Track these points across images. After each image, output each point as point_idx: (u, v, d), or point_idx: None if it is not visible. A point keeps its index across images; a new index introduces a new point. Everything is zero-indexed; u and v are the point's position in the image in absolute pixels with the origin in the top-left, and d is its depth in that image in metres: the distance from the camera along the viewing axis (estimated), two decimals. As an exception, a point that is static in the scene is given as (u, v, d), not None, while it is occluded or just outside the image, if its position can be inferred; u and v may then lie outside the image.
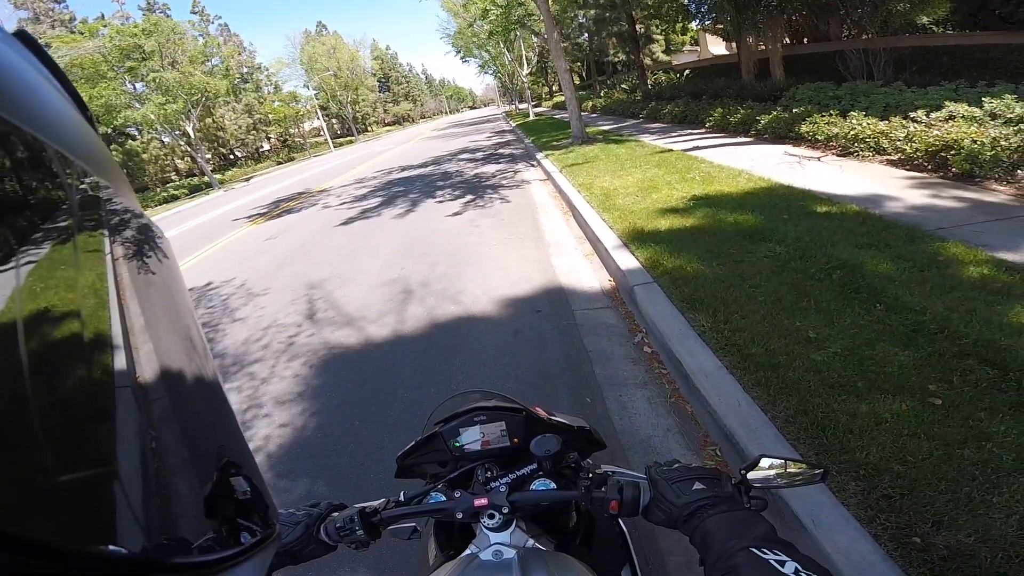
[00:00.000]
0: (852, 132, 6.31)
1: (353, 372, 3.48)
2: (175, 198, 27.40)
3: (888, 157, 5.85)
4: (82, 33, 25.30)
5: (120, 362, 0.34)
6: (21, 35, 0.37)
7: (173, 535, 0.36)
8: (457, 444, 1.02)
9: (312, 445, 2.79)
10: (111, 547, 0.28)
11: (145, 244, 0.46)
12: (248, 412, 3.23)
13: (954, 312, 2.57)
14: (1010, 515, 1.56)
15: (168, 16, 37.10)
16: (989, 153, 4.48)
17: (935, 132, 5.19)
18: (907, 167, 5.44)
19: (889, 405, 2.08)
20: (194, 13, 48.62)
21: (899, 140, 5.64)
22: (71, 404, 0.29)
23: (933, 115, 5.78)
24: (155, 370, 0.39)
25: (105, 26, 28.25)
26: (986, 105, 5.44)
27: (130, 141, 35.59)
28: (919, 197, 4.45)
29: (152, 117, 25.07)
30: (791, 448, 2.00)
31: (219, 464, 0.47)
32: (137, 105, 25.64)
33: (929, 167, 5.19)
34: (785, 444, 2.02)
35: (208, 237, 10.53)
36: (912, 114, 6.05)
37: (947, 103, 5.88)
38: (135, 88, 27.08)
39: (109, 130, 31.61)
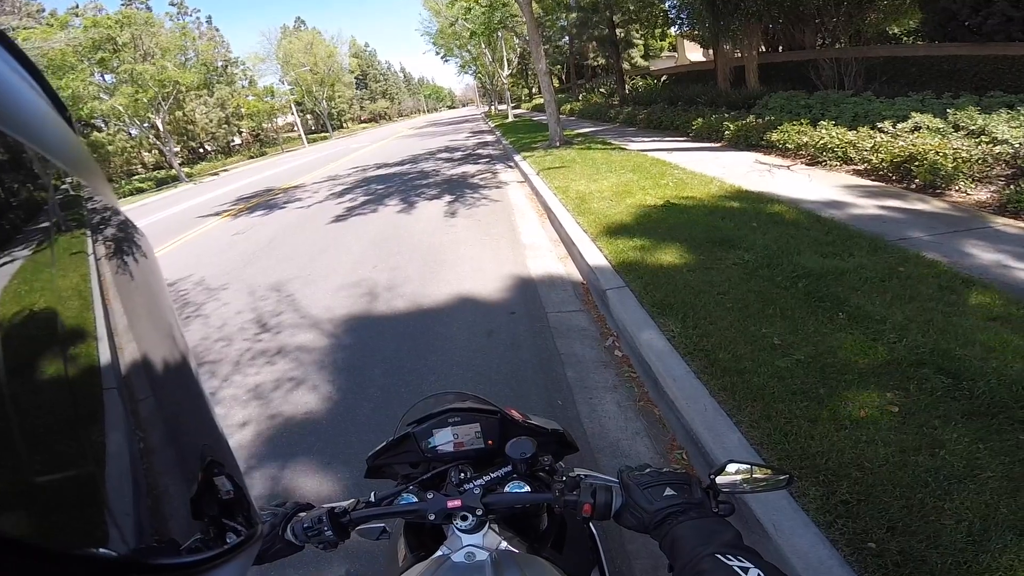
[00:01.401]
0: (821, 141, 6.47)
1: (320, 373, 3.41)
2: (141, 191, 26.62)
3: (855, 167, 6.02)
4: (51, 25, 24.68)
5: (106, 362, 0.34)
6: None
7: (162, 536, 0.36)
8: (430, 445, 1.01)
9: (277, 444, 2.73)
10: (100, 550, 0.28)
11: (126, 243, 0.45)
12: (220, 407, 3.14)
13: (913, 322, 2.65)
14: (960, 521, 1.60)
15: (149, 9, 36.52)
16: (951, 165, 4.64)
17: (900, 143, 5.36)
18: (873, 177, 5.61)
19: (849, 412, 2.13)
20: (172, 5, 47.46)
21: (866, 151, 5.80)
22: (58, 405, 0.29)
23: (899, 126, 5.97)
24: (140, 370, 0.39)
25: (78, 15, 27.63)
26: (950, 116, 5.63)
27: (95, 132, 34.51)
28: (883, 208, 4.59)
29: (120, 109, 24.54)
30: (755, 453, 2.03)
31: (203, 463, 0.47)
32: (105, 97, 25.04)
33: (894, 178, 5.35)
34: (749, 449, 2.05)
35: (172, 231, 10.24)
36: (879, 124, 6.24)
37: (913, 114, 6.08)
38: (104, 79, 26.51)
39: (75, 121, 31.07)
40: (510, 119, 27.49)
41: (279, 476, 2.51)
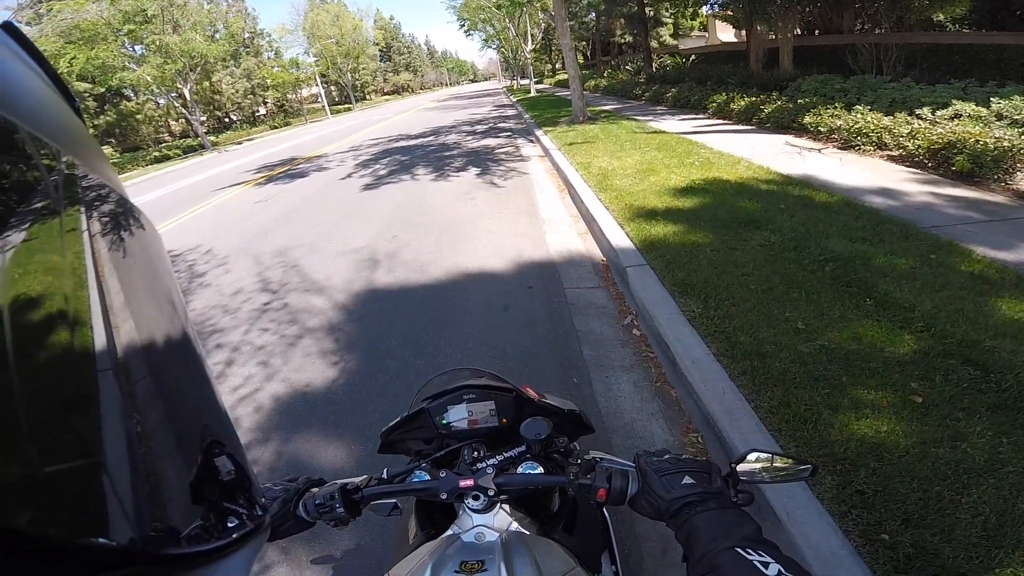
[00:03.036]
0: (855, 125, 6.25)
1: (338, 342, 3.45)
2: (167, 158, 26.99)
3: (889, 152, 5.82)
4: None
5: (100, 343, 0.33)
6: (6, 26, 0.38)
7: (162, 524, 0.36)
8: (444, 422, 1.00)
9: (293, 414, 2.78)
10: (101, 540, 0.27)
11: (123, 218, 0.45)
12: (230, 376, 3.21)
13: (942, 311, 2.58)
14: (976, 516, 1.57)
15: None
16: (992, 154, 4.45)
17: (939, 130, 5.15)
18: (908, 163, 5.41)
19: (871, 400, 2.09)
20: None
21: (902, 136, 5.59)
22: (53, 391, 0.28)
23: (939, 113, 5.74)
24: (137, 349, 0.39)
25: None
26: (993, 105, 5.40)
27: (125, 102, 35.10)
28: (917, 194, 4.43)
29: (148, 79, 24.68)
30: (772, 439, 2.01)
31: (204, 445, 0.46)
32: (134, 67, 25.12)
33: (930, 165, 5.16)
34: (767, 435, 2.03)
35: (194, 200, 10.36)
36: (918, 111, 6.01)
37: (954, 101, 5.83)
38: (134, 50, 26.45)
39: (103, 90, 30.85)
40: (533, 94, 27.09)
41: (289, 446, 2.55)
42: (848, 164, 5.65)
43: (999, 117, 5.20)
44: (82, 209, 0.38)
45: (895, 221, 3.76)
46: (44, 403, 0.27)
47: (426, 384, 1.11)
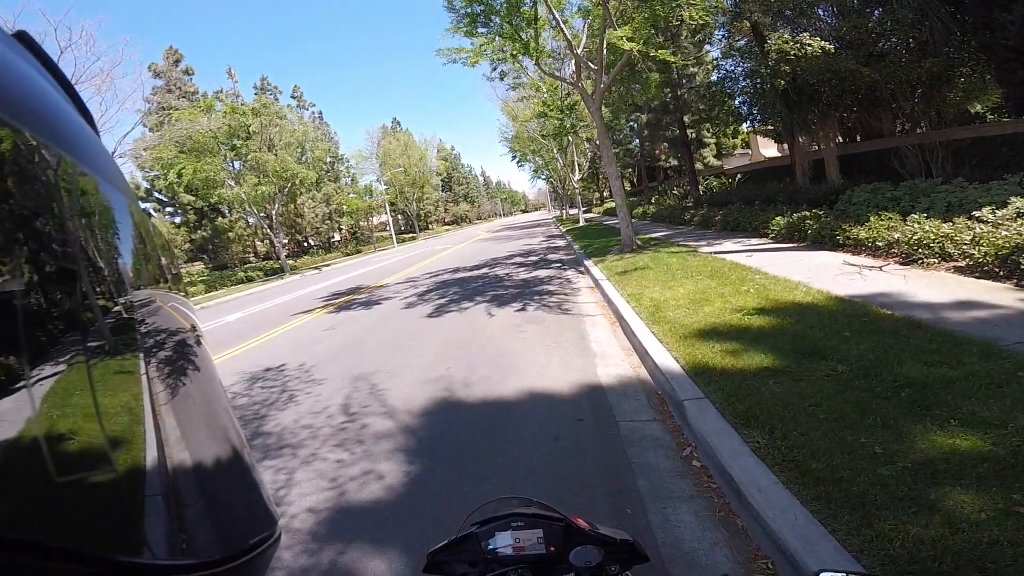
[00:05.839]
0: (914, 237, 6.10)
1: (389, 466, 3.47)
2: (251, 279, 29.22)
3: (955, 263, 5.58)
4: (200, 109, 27.01)
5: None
6: (20, 36, 0.39)
7: (189, 539, 0.38)
8: (491, 547, 1.00)
9: (341, 526, 2.83)
10: (133, 544, 0.30)
11: (179, 359, 0.48)
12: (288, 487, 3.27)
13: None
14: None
15: (276, 99, 39.85)
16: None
17: (1003, 232, 4.96)
18: (976, 274, 5.16)
19: (966, 515, 1.93)
20: (293, 98, 52.52)
21: (965, 244, 5.40)
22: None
23: (999, 213, 5.54)
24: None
25: (220, 100, 30.08)
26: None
27: (220, 218, 38.15)
28: (993, 308, 4.17)
29: (244, 196, 26.11)
30: (853, 560, 1.86)
31: (222, 463, 0.48)
32: (232, 184, 27.01)
33: (1001, 273, 4.90)
34: (848, 557, 1.88)
35: (268, 325, 11.12)
36: (976, 213, 5.83)
37: (1013, 199, 5.64)
38: (233, 166, 28.31)
39: (205, 206, 33.36)
40: (581, 223, 28.05)
41: (339, 557, 2.58)
42: (912, 280, 5.43)
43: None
44: (141, 355, 0.39)
45: (973, 340, 3.52)
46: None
47: (475, 510, 1.13)
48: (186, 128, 25.03)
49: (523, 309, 8.13)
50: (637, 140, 30.77)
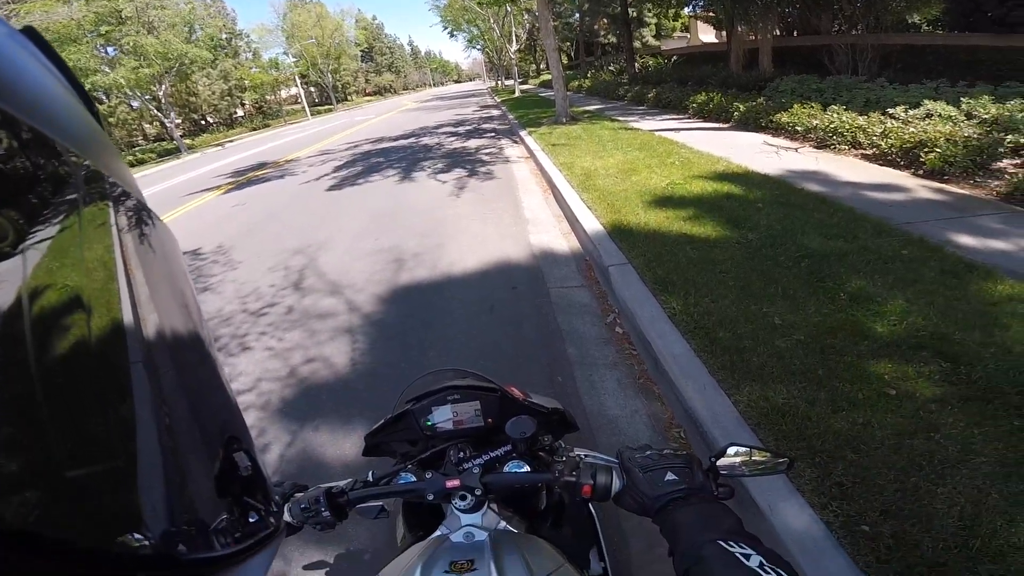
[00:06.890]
0: (831, 125, 6.38)
1: (321, 346, 3.42)
2: (142, 162, 26.44)
3: (864, 151, 5.95)
4: None
5: (132, 336, 0.34)
6: (28, 31, 0.38)
7: (192, 516, 0.36)
8: (429, 423, 1.00)
9: (275, 418, 2.75)
10: (135, 536, 0.28)
11: (145, 215, 0.45)
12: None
13: (914, 304, 2.64)
14: (952, 506, 1.61)
15: None
16: (961, 152, 4.57)
17: (911, 129, 5.28)
18: (881, 162, 5.54)
19: (846, 394, 2.14)
20: None
21: (875, 135, 5.72)
22: (89, 382, 0.29)
23: (911, 112, 5.87)
24: (163, 342, 0.39)
25: None
26: (963, 105, 5.53)
27: (96, 105, 34.17)
28: (890, 192, 4.54)
29: (122, 82, 24.04)
30: (752, 433, 2.04)
31: (224, 440, 0.46)
32: (107, 70, 24.46)
33: (902, 163, 5.29)
34: (747, 429, 2.06)
35: (175, 202, 10.19)
36: (891, 110, 6.14)
37: (926, 101, 5.96)
38: (107, 52, 25.79)
39: None
40: (517, 94, 27.05)
41: (278, 445, 2.55)
42: (824, 162, 5.76)
43: (969, 116, 5.33)
44: (110, 204, 0.38)
45: (868, 218, 3.85)
46: (75, 397, 0.27)
47: (409, 386, 1.11)
48: (39, 20, 21.30)
49: (456, 179, 7.94)
50: (577, 14, 29.19)
